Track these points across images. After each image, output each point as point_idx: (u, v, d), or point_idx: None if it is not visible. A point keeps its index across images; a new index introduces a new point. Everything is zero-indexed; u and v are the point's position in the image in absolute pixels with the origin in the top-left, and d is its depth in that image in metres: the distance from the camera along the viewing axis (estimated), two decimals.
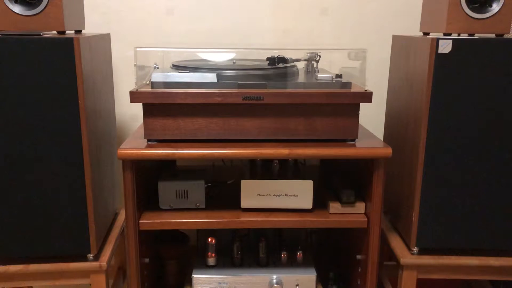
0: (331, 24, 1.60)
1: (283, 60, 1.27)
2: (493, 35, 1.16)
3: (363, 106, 1.17)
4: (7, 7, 1.07)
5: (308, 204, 1.21)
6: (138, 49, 1.20)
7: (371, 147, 1.15)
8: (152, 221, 1.18)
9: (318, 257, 1.48)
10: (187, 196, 1.22)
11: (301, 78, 1.27)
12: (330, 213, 1.22)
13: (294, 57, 1.31)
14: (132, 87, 1.15)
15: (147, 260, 1.27)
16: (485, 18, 1.13)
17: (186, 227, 1.20)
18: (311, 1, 1.58)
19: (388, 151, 1.14)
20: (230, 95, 1.12)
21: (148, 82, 1.20)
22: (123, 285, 1.58)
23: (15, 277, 1.18)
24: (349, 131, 1.18)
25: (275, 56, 1.27)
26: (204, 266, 1.31)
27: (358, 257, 1.28)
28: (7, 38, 1.05)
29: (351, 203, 1.22)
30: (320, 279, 1.35)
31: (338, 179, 1.31)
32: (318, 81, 1.19)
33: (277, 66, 1.26)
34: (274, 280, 1.27)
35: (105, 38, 1.34)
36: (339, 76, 1.20)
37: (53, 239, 1.16)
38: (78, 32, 1.25)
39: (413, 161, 1.21)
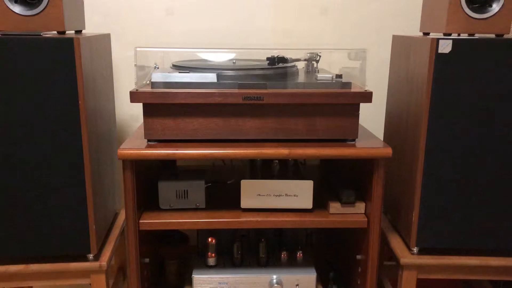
0: (331, 24, 1.60)
1: (283, 60, 1.27)
2: (493, 35, 1.16)
3: (363, 106, 1.17)
4: (7, 7, 1.07)
5: (308, 204, 1.21)
6: (138, 49, 1.20)
7: (371, 147, 1.15)
8: (152, 221, 1.18)
9: (318, 257, 1.48)
10: (187, 196, 1.22)
11: (301, 78, 1.27)
12: (330, 213, 1.22)
13: (294, 57, 1.31)
14: (132, 87, 1.15)
15: (147, 260, 1.27)
16: (485, 18, 1.13)
17: (186, 227, 1.20)
18: (311, 1, 1.58)
19: (388, 151, 1.14)
20: (230, 95, 1.12)
21: (148, 82, 1.20)
22: (123, 285, 1.58)
23: (15, 277, 1.18)
24: (349, 131, 1.18)
25: (275, 56, 1.27)
26: (204, 266, 1.31)
27: (358, 257, 1.28)
28: (7, 38, 1.05)
29: (351, 203, 1.22)
30: (320, 279, 1.35)
31: (338, 179, 1.31)
32: (318, 81, 1.19)
33: (277, 66, 1.26)
34: (274, 280, 1.27)
35: (105, 38, 1.34)
36: (339, 76, 1.20)
37: (53, 239, 1.16)
38: (78, 32, 1.25)
39: (413, 161, 1.21)
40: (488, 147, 1.17)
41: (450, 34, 1.15)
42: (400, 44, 1.36)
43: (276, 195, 1.20)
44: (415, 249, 1.23)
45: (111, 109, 1.42)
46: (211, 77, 1.16)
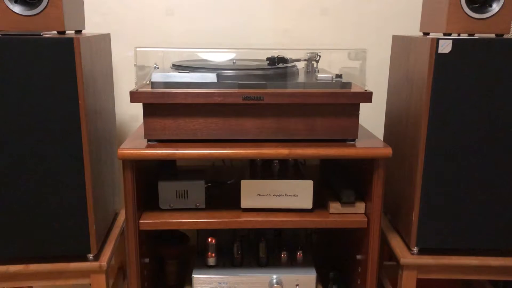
0: (331, 24, 1.60)
1: (283, 60, 1.27)
2: (493, 35, 1.16)
3: (363, 106, 1.17)
4: (7, 7, 1.07)
5: (308, 204, 1.21)
6: (138, 49, 1.20)
7: (371, 147, 1.15)
8: (152, 221, 1.18)
9: (318, 257, 1.48)
10: (187, 196, 1.22)
11: (301, 78, 1.27)
12: (330, 213, 1.22)
13: (294, 57, 1.31)
14: (132, 87, 1.15)
15: (147, 260, 1.27)
16: (485, 18, 1.13)
17: (186, 227, 1.20)
18: (311, 1, 1.58)
19: (388, 151, 1.14)
20: (230, 95, 1.12)
21: (148, 82, 1.20)
22: (123, 285, 1.58)
23: (15, 277, 1.18)
24: (349, 131, 1.18)
25: (275, 56, 1.27)
26: (204, 266, 1.31)
27: (358, 257, 1.28)
28: (7, 38, 1.05)
29: (351, 203, 1.22)
30: (320, 279, 1.35)
31: (338, 179, 1.31)
32: (318, 81, 1.19)
33: (277, 66, 1.26)
34: (274, 280, 1.27)
35: (105, 38, 1.34)
36: (339, 76, 1.20)
37: (53, 239, 1.16)
38: (78, 32, 1.25)
39: (413, 161, 1.21)
40: (488, 147, 1.17)
41: (450, 34, 1.15)
42: (400, 44, 1.36)
43: (276, 195, 1.20)
44: (415, 249, 1.23)
45: (111, 109, 1.42)
46: (211, 77, 1.16)
